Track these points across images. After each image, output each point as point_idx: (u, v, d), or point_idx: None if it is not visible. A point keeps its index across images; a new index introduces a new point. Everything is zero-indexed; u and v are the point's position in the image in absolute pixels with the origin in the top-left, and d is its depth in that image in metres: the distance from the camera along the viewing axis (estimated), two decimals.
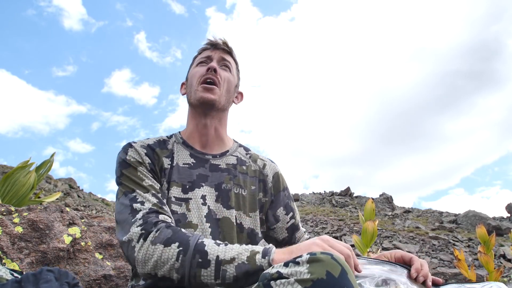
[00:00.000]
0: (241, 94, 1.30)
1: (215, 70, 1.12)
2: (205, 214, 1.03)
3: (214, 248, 0.81)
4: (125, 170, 1.03)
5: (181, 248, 0.82)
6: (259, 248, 0.81)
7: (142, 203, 0.95)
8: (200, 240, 0.83)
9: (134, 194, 0.97)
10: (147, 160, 1.06)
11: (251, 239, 1.10)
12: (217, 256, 0.79)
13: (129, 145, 1.09)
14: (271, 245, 0.83)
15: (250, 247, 0.82)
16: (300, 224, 1.26)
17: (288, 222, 1.21)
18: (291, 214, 1.22)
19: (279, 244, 1.23)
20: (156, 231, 0.87)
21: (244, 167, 1.18)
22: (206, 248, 0.81)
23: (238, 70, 1.27)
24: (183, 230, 0.89)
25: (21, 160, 2.41)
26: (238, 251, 0.80)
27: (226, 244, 0.83)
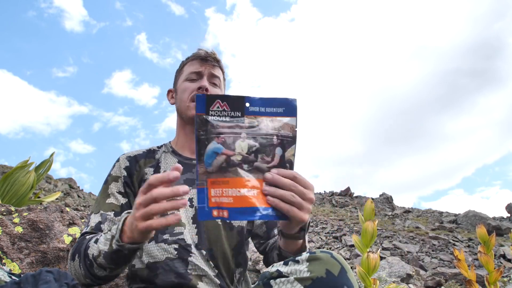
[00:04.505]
0: None
1: (206, 90, 1.16)
2: (191, 215, 1.06)
3: (92, 248, 0.86)
4: (104, 185, 1.11)
5: (79, 258, 0.90)
6: (114, 231, 0.82)
7: (86, 224, 1.03)
8: (87, 245, 0.89)
9: (90, 213, 1.06)
10: (123, 173, 1.12)
11: (241, 237, 1.12)
12: (92, 254, 0.85)
13: (118, 158, 1.16)
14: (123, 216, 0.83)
15: (110, 233, 0.83)
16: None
17: None
18: None
19: (264, 239, 1.22)
20: (72, 248, 0.95)
21: None
22: (88, 251, 0.87)
23: (224, 79, 1.30)
24: (86, 237, 0.94)
25: (22, 160, 2.41)
26: (102, 241, 0.83)
27: (96, 241, 0.87)
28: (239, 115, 0.72)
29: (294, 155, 0.73)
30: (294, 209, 0.70)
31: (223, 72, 1.29)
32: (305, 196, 0.72)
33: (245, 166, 0.71)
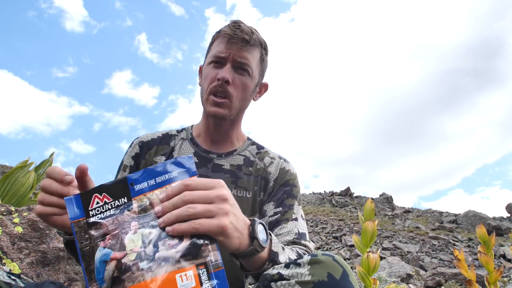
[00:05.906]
0: (265, 86, 1.16)
1: (227, 82, 0.98)
2: None
3: None
4: (117, 171, 1.11)
5: None
6: None
7: None
8: None
9: None
10: (130, 163, 1.10)
11: None
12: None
13: (132, 142, 1.13)
14: None
15: None
16: (287, 224, 0.99)
17: (271, 216, 1.01)
18: (279, 209, 1.01)
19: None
20: None
21: (251, 168, 1.09)
22: None
23: (262, 59, 1.08)
24: None
25: (22, 160, 2.41)
26: None
27: None
28: (125, 201, 0.57)
29: None
30: (201, 221, 0.55)
31: (263, 51, 1.06)
32: (208, 198, 0.56)
33: (144, 264, 0.52)
